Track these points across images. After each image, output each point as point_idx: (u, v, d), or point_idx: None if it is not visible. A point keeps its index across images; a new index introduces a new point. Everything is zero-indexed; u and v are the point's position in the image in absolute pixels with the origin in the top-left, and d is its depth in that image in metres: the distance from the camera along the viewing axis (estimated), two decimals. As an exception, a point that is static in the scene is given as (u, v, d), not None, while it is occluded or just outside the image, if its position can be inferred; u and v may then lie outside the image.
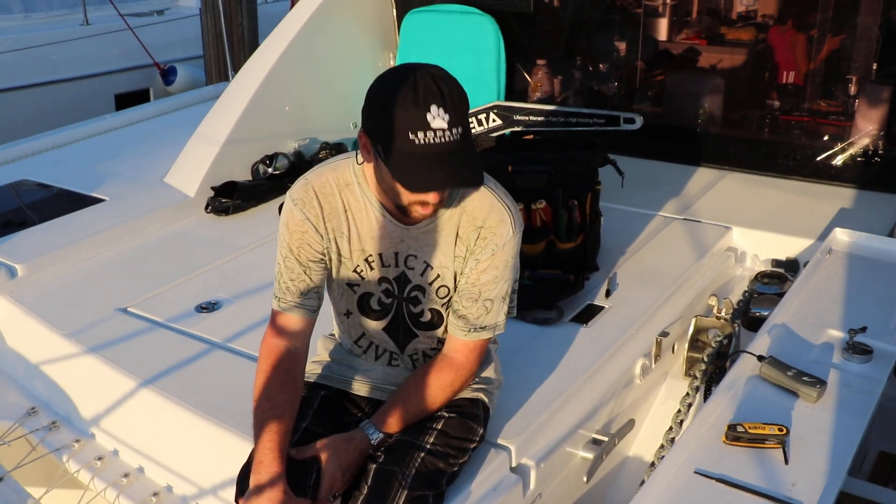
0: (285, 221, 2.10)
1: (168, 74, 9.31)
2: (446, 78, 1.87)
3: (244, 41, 8.21)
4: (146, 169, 4.23)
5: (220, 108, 4.23)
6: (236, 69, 6.08)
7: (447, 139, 1.84)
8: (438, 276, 2.12)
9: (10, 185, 4.14)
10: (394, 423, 2.10)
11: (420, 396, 2.13)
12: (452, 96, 1.85)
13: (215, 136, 4.08)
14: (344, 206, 2.08)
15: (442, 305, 2.17)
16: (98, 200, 3.89)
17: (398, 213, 2.06)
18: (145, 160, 4.38)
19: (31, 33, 9.26)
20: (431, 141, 1.82)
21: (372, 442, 2.07)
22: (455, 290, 2.14)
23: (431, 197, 1.94)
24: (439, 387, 2.14)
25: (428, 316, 2.18)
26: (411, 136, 1.82)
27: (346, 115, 4.61)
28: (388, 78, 1.89)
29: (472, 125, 3.65)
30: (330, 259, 2.13)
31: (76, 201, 3.88)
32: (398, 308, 2.17)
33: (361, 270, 2.13)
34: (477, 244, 2.07)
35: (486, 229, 2.07)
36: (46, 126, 5.17)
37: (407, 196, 1.95)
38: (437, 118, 1.81)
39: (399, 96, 1.82)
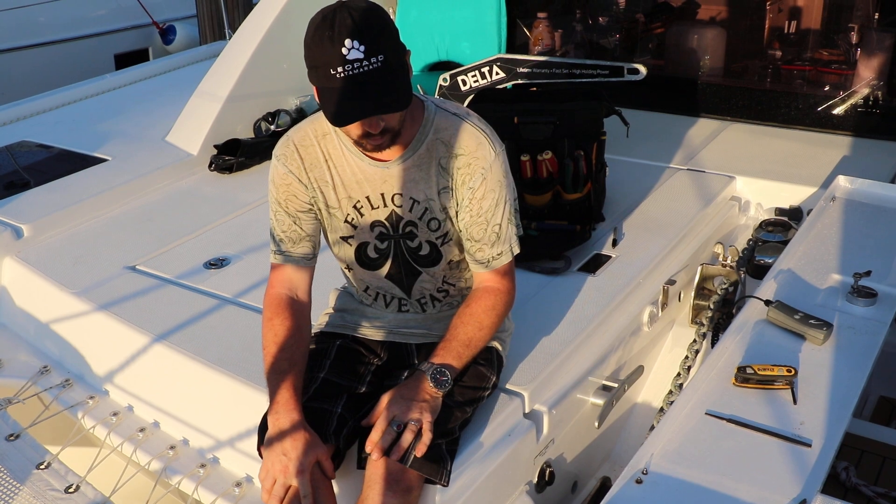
0: (272, 178, 2.17)
1: (167, 34, 9.20)
2: (366, 10, 1.88)
3: (238, -1, 8.10)
4: (148, 128, 4.22)
5: (220, 65, 4.20)
6: (232, 27, 6.03)
7: (366, 69, 1.86)
8: (426, 209, 2.14)
9: (10, 147, 4.11)
10: (447, 355, 2.08)
11: (467, 325, 2.12)
12: (370, 26, 1.86)
13: (217, 93, 4.06)
14: (324, 156, 2.12)
15: (437, 239, 2.18)
16: (101, 160, 3.87)
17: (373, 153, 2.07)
18: (147, 119, 4.36)
19: (29, -8, 9.10)
20: (349, 73, 1.85)
21: (423, 370, 2.04)
22: (453, 223, 2.16)
23: (370, 127, 1.95)
24: (483, 310, 2.14)
25: (426, 249, 2.19)
26: (332, 72, 1.86)
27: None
28: (313, 19, 1.91)
29: (475, 78, 3.65)
30: (319, 211, 2.16)
31: (79, 161, 3.87)
32: (396, 248, 2.19)
33: (353, 219, 2.15)
34: (462, 172, 2.09)
35: (467, 156, 2.09)
36: (46, 87, 5.12)
37: (348, 131, 1.98)
38: (353, 50, 1.84)
39: (318, 35, 1.86)
